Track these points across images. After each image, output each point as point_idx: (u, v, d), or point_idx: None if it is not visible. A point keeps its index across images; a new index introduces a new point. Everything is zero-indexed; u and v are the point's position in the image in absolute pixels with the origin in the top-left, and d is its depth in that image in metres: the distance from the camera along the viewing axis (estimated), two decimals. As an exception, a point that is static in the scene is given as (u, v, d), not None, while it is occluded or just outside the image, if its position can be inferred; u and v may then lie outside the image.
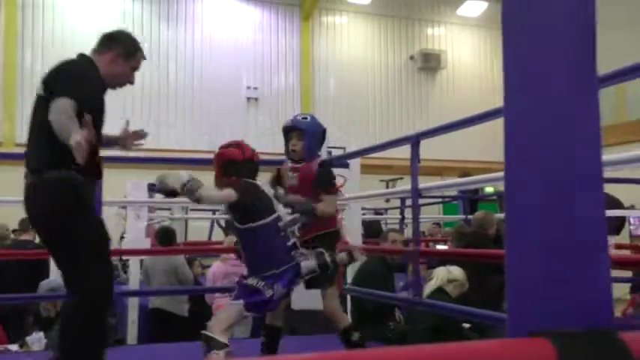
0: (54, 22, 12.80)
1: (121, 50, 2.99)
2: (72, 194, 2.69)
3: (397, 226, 8.06)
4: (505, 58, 0.66)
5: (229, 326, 2.95)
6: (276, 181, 3.67)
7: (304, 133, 3.63)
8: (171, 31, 13.56)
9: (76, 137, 2.34)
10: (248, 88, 13.92)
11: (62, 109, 2.53)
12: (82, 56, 3.02)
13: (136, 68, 3.10)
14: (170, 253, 6.10)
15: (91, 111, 2.73)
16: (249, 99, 13.90)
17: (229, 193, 2.94)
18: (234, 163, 3.13)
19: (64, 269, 2.88)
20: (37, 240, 7.11)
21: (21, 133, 12.23)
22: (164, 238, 6.04)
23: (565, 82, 0.63)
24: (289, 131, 3.70)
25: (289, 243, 3.08)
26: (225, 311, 3.03)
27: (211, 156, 3.31)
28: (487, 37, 15.89)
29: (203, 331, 2.81)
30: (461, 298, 4.17)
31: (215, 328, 2.81)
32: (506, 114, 0.65)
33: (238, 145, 3.23)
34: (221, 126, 13.26)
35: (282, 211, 3.11)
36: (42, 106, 2.69)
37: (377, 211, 10.05)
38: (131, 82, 3.13)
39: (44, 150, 2.71)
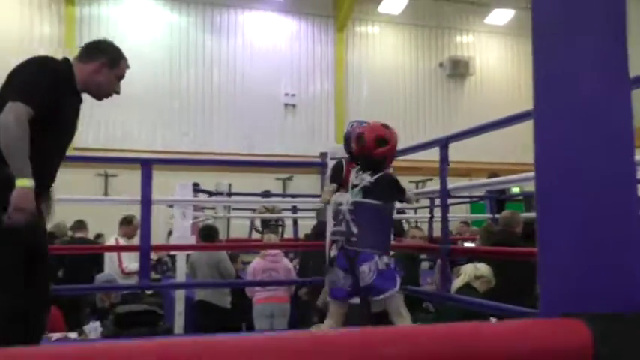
0: (108, 34, 12.89)
1: (106, 60, 2.78)
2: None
3: (426, 225, 8.01)
4: (535, 63, 0.66)
5: (332, 315, 3.32)
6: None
7: None
8: (214, 41, 13.71)
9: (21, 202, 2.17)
10: (286, 94, 13.98)
11: (16, 122, 2.26)
12: (65, 60, 2.76)
13: (121, 77, 2.91)
14: (213, 249, 6.17)
15: (52, 122, 2.47)
16: (286, 105, 13.96)
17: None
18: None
19: None
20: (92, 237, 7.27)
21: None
22: (207, 234, 6.11)
23: (596, 84, 0.62)
24: None
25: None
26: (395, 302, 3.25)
27: (249, 159, 3.44)
28: (514, 45, 15.66)
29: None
30: (488, 293, 4.12)
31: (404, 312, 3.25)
32: (536, 116, 0.65)
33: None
34: (260, 130, 13.36)
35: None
36: None
37: (399, 211, 9.99)
38: (117, 92, 2.90)
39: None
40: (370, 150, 3.44)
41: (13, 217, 2.23)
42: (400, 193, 3.47)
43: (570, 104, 0.63)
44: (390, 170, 3.66)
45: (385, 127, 3.55)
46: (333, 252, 3.25)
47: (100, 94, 2.83)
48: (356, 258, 3.11)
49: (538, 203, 0.60)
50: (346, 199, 3.26)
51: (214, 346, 0.49)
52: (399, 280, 3.20)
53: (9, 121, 2.27)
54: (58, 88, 2.54)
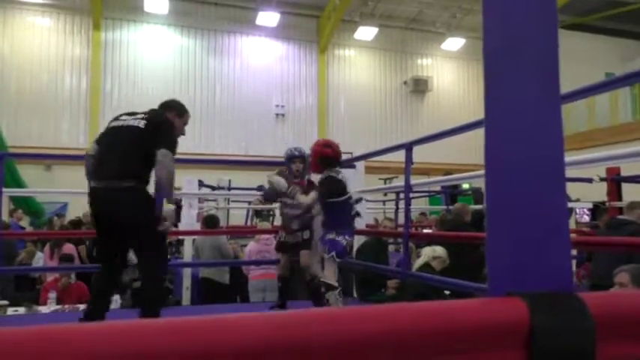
0: (128, 56, 12.90)
1: (175, 112, 3.24)
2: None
3: (392, 215, 8.03)
4: (486, 82, 0.66)
5: (334, 272, 3.39)
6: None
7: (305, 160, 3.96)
8: (217, 61, 13.62)
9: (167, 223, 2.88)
10: (277, 106, 13.94)
11: (168, 166, 2.86)
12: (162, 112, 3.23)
13: (186, 124, 3.35)
14: (215, 234, 6.14)
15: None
16: (277, 115, 13.93)
17: (313, 197, 3.46)
18: (328, 159, 3.54)
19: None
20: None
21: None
22: (210, 222, 6.06)
23: (534, 99, 0.62)
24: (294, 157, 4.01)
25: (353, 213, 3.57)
26: (328, 265, 3.42)
27: (246, 159, 3.51)
28: (465, 67, 15.79)
29: (322, 280, 3.38)
30: (443, 271, 4.14)
31: (329, 278, 3.35)
32: (487, 125, 0.64)
33: (330, 145, 3.63)
34: (254, 136, 13.32)
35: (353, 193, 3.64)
36: (138, 135, 2.94)
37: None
38: (182, 134, 3.29)
39: (140, 166, 2.93)
40: (328, 152, 3.72)
41: (166, 226, 2.90)
42: None
43: (513, 115, 0.63)
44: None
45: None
46: (349, 231, 3.56)
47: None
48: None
49: (488, 200, 0.60)
50: (353, 195, 3.67)
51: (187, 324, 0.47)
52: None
53: (167, 163, 2.86)
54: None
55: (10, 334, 0.43)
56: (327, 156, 3.56)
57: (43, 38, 12.35)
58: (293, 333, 0.45)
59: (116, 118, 3.13)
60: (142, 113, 3.07)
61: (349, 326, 0.48)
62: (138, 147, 2.91)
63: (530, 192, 0.58)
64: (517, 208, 0.58)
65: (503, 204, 0.58)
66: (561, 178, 0.59)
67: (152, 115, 3.06)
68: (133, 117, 3.05)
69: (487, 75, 0.63)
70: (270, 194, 4.05)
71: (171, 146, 2.91)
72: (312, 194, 3.51)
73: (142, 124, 2.96)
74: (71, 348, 0.42)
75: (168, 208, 2.88)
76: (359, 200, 3.75)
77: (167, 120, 3.11)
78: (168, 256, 3.88)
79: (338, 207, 3.48)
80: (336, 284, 3.37)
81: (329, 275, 3.39)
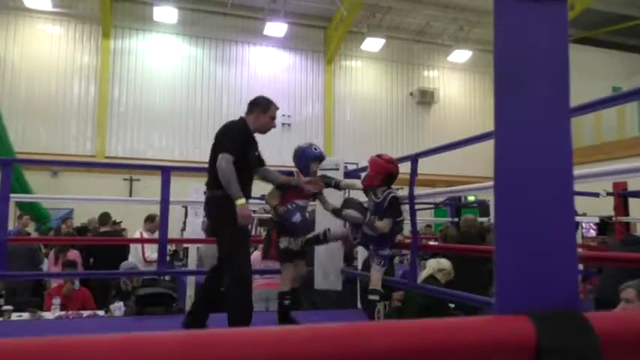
0: (136, 63, 13.01)
1: (260, 108, 3.45)
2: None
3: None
4: (496, 97, 0.66)
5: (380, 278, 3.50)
6: None
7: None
8: (224, 70, 13.70)
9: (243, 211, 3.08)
10: (283, 115, 13.96)
11: (222, 169, 3.10)
12: (240, 119, 3.46)
13: (274, 117, 3.54)
14: (201, 242, 6.10)
15: (243, 160, 3.26)
16: (283, 124, 13.95)
17: (389, 223, 3.47)
18: (391, 177, 3.54)
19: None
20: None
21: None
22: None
23: (544, 113, 0.62)
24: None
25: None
26: (379, 275, 3.51)
27: None
28: (471, 79, 15.81)
29: (372, 287, 3.47)
30: (448, 284, 4.12)
31: (376, 284, 3.46)
32: (497, 137, 0.64)
33: (394, 162, 3.58)
34: (260, 145, 13.30)
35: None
36: (214, 146, 3.28)
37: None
38: (274, 126, 3.57)
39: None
40: (394, 169, 3.73)
41: (243, 223, 3.12)
42: None
43: (523, 129, 0.63)
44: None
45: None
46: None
47: (262, 131, 3.51)
48: None
49: (497, 215, 0.60)
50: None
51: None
52: None
53: (222, 166, 3.10)
54: (243, 139, 3.32)
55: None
56: (391, 173, 3.54)
57: (52, 46, 12.48)
58: (298, 348, 0.45)
59: None
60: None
61: (355, 342, 0.48)
62: (213, 159, 3.22)
63: (540, 208, 0.58)
64: (526, 225, 0.58)
65: (513, 221, 0.58)
66: (570, 194, 0.59)
67: (221, 127, 3.36)
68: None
69: (497, 88, 0.63)
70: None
71: (228, 148, 3.14)
72: (387, 221, 3.49)
73: (215, 138, 3.29)
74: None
75: (239, 205, 3.07)
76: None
77: (230, 125, 3.35)
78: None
79: (395, 226, 3.56)
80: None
81: (376, 281, 3.50)
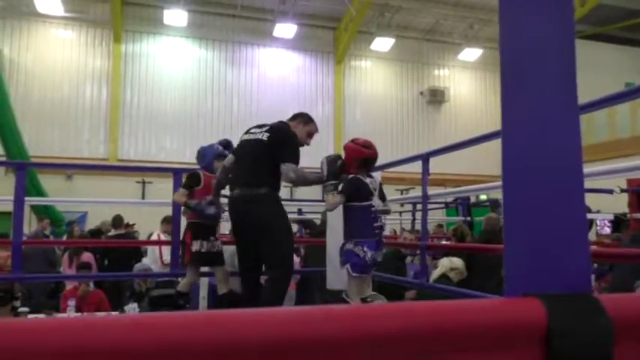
0: (147, 67, 13.12)
1: (301, 120, 3.52)
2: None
3: (409, 226, 8.00)
4: (503, 94, 0.67)
5: (359, 290, 3.06)
6: None
7: None
8: (234, 72, 13.77)
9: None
10: (293, 116, 14.01)
11: (299, 177, 3.18)
12: (289, 126, 3.47)
13: (310, 135, 3.56)
14: (232, 244, 6.13)
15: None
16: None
17: (340, 200, 3.07)
18: (365, 161, 3.20)
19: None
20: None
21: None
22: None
23: (552, 110, 0.63)
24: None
25: (377, 223, 3.11)
26: (349, 280, 3.09)
27: None
28: (481, 77, 15.73)
29: (345, 297, 3.11)
30: (460, 283, 4.11)
31: (351, 295, 3.06)
32: (504, 134, 0.65)
33: (370, 146, 3.26)
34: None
35: (376, 200, 3.15)
36: (263, 148, 3.21)
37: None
38: (307, 143, 3.53)
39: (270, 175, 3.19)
40: (370, 153, 3.29)
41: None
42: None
43: (531, 125, 0.64)
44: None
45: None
46: (370, 242, 3.03)
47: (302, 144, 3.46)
48: (380, 243, 3.15)
49: (505, 202, 0.61)
50: (376, 201, 3.14)
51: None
52: None
53: (293, 177, 3.17)
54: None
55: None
56: (365, 157, 3.21)
57: (65, 50, 12.63)
58: (314, 329, 0.47)
59: (247, 132, 3.44)
60: (268, 126, 3.36)
61: (369, 323, 0.49)
62: (264, 158, 3.18)
63: (548, 196, 0.59)
64: (534, 209, 0.59)
65: (521, 207, 0.59)
66: (579, 182, 0.60)
67: (275, 128, 3.33)
68: (260, 129, 3.35)
69: (504, 86, 0.64)
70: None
71: (292, 157, 3.17)
72: (338, 197, 3.07)
73: (265, 136, 3.24)
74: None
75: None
76: (386, 211, 3.32)
77: (289, 133, 3.33)
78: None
79: (359, 213, 3.08)
80: (351, 301, 3.00)
81: (350, 292, 3.05)
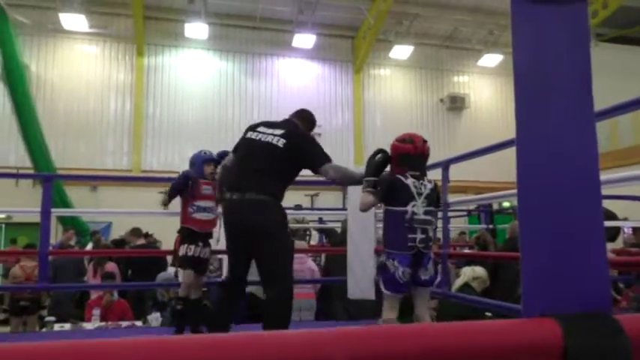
0: (169, 79, 13.34)
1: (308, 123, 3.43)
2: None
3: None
4: (517, 102, 0.65)
5: (390, 307, 2.76)
6: None
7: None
8: (255, 83, 13.89)
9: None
10: (313, 126, 14.05)
11: (339, 174, 3.05)
12: (294, 122, 3.36)
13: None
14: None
15: (295, 171, 3.15)
16: (313, 134, 14.02)
17: (370, 202, 2.77)
18: (402, 157, 2.82)
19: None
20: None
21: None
22: None
23: (567, 117, 0.62)
24: None
25: (413, 234, 2.67)
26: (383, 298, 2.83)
27: None
28: (502, 83, 15.56)
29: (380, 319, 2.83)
30: (484, 292, 4.05)
31: (383, 313, 2.79)
32: (518, 143, 0.64)
33: (412, 139, 2.90)
34: (292, 155, 13.43)
35: (417, 208, 2.71)
36: (277, 155, 3.00)
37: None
38: None
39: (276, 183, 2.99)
40: (422, 150, 2.89)
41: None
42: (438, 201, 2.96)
43: (545, 133, 0.62)
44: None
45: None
46: (403, 256, 2.66)
47: None
48: (423, 258, 2.72)
49: (520, 220, 0.60)
50: (419, 209, 2.70)
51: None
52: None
53: (333, 175, 3.02)
54: None
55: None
56: (400, 153, 2.84)
57: (89, 65, 12.92)
58: (328, 350, 0.46)
59: (253, 129, 3.23)
60: (282, 130, 3.10)
61: (386, 344, 0.48)
62: (275, 165, 2.98)
63: (565, 213, 0.58)
64: (551, 229, 0.58)
65: (537, 225, 0.58)
66: (597, 198, 0.58)
67: (291, 134, 3.08)
68: (271, 130, 3.12)
69: (518, 93, 0.63)
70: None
71: (322, 157, 3.00)
72: (372, 197, 2.76)
73: (280, 142, 3.00)
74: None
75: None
76: (426, 221, 2.72)
77: (306, 136, 3.19)
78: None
79: (392, 220, 2.73)
80: (392, 317, 2.75)
81: (383, 310, 2.78)
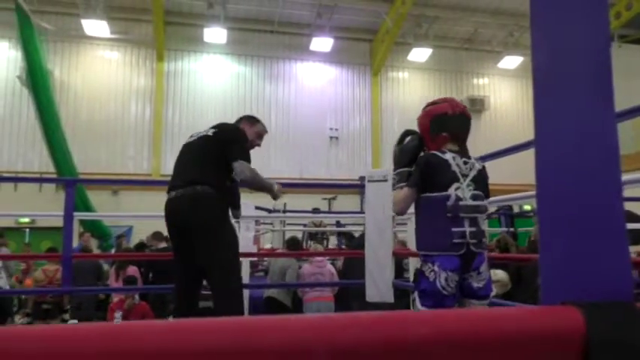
0: (189, 84, 13.50)
1: (247, 121, 3.23)
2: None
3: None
4: (536, 102, 0.66)
5: None
6: None
7: None
8: (272, 87, 13.98)
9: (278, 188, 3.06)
10: (331, 129, 14.07)
11: (247, 177, 2.82)
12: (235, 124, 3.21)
13: (261, 135, 3.28)
14: (268, 256, 6.22)
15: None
16: (331, 138, 14.05)
17: (404, 196, 2.13)
18: (444, 117, 2.16)
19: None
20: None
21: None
22: (291, 244, 6.28)
23: (587, 118, 0.62)
24: None
25: (459, 227, 2.03)
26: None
27: (301, 181, 3.35)
28: (522, 85, 15.40)
29: None
30: (505, 295, 4.00)
31: None
32: (537, 143, 0.64)
33: (446, 100, 2.25)
34: (309, 159, 13.48)
35: (461, 191, 2.08)
36: (207, 143, 2.91)
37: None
38: (258, 145, 3.26)
39: (214, 174, 2.81)
40: (463, 111, 2.22)
41: (279, 194, 3.12)
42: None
43: (565, 132, 0.62)
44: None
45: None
46: (446, 258, 2.04)
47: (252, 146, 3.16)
48: (474, 259, 2.08)
49: (539, 209, 0.60)
50: (464, 192, 2.08)
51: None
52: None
53: (248, 176, 2.82)
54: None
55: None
56: (433, 117, 2.19)
57: (111, 70, 13.15)
58: (348, 335, 0.47)
59: (190, 136, 3.12)
60: (214, 126, 3.04)
61: (404, 330, 0.49)
62: (208, 153, 2.85)
63: (583, 204, 0.58)
64: (571, 214, 0.57)
65: (557, 212, 0.57)
66: (617, 185, 0.58)
67: (222, 125, 3.05)
68: (207, 128, 3.05)
69: (536, 92, 0.63)
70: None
71: (244, 155, 2.84)
72: (404, 192, 2.15)
73: (210, 132, 2.94)
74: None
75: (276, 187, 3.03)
76: (478, 209, 2.10)
77: (237, 130, 3.04)
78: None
79: (430, 209, 2.10)
80: None
81: None
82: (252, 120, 3.25)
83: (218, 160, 2.81)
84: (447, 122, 2.17)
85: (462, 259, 2.04)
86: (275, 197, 3.10)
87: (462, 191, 2.07)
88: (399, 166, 2.24)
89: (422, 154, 2.22)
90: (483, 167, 2.27)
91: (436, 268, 2.02)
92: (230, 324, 0.48)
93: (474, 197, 2.09)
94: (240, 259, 6.37)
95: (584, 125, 0.60)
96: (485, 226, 2.17)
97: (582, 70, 0.62)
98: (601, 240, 0.57)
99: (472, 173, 2.15)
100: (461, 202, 2.05)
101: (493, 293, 2.25)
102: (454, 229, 2.03)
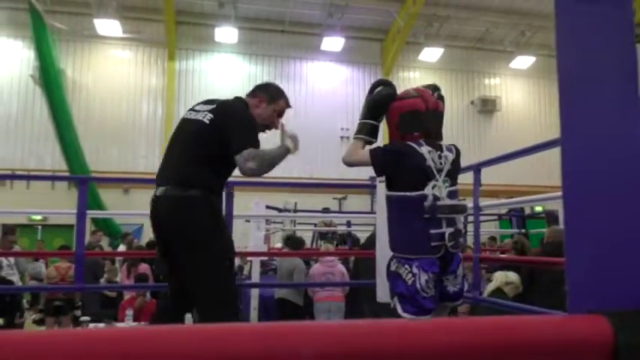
0: (200, 83, 13.57)
1: (266, 96, 2.70)
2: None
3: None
4: (562, 99, 0.65)
5: None
6: None
7: None
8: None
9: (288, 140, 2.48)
10: (341, 129, 14.06)
11: (256, 159, 2.31)
12: (240, 99, 2.69)
13: (280, 113, 2.75)
14: (279, 256, 6.23)
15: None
16: (342, 137, 14.03)
17: (361, 156, 2.07)
18: (416, 114, 2.02)
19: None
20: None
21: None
22: (292, 243, 6.29)
23: (613, 116, 0.61)
24: None
25: (437, 229, 1.92)
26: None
27: (310, 181, 3.31)
28: (535, 85, 15.27)
29: None
30: (516, 297, 3.98)
31: None
32: (564, 142, 0.64)
33: (418, 92, 2.11)
34: (320, 158, 13.46)
35: (438, 189, 1.97)
36: (201, 133, 2.39)
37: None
38: (275, 126, 2.73)
39: (206, 172, 2.37)
40: (436, 106, 2.09)
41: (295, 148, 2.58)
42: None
43: (592, 132, 0.62)
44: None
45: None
46: (424, 261, 1.93)
47: (261, 127, 2.65)
48: (452, 261, 2.00)
49: (566, 215, 0.59)
50: (441, 191, 1.97)
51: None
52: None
53: (253, 166, 2.30)
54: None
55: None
56: (408, 112, 2.10)
57: (123, 69, 13.25)
58: (366, 343, 0.47)
59: (191, 109, 2.61)
60: (215, 103, 2.53)
61: (426, 338, 0.49)
62: (202, 145, 2.36)
63: (612, 209, 0.57)
64: (598, 221, 0.57)
65: (583, 221, 0.57)
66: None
67: (220, 106, 2.48)
68: (206, 106, 2.51)
69: (562, 93, 0.62)
70: None
71: (247, 141, 2.31)
72: (359, 144, 2.16)
73: (207, 117, 2.40)
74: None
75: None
76: (456, 208, 2.01)
77: (235, 112, 2.47)
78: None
79: (404, 209, 1.97)
80: None
81: None
82: (272, 94, 2.71)
83: (213, 153, 2.34)
84: (420, 120, 2.07)
85: (440, 261, 1.96)
86: (294, 153, 2.61)
87: (438, 189, 1.97)
88: (362, 117, 2.16)
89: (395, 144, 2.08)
90: (457, 153, 2.19)
91: (415, 270, 1.91)
92: (257, 329, 0.48)
93: (451, 194, 2.00)
94: (250, 258, 6.42)
95: (612, 131, 0.60)
96: (461, 225, 2.08)
97: (608, 73, 0.61)
98: (629, 248, 0.56)
99: (446, 167, 2.06)
100: (439, 202, 1.94)
101: (466, 289, 2.17)
102: (432, 231, 1.93)
